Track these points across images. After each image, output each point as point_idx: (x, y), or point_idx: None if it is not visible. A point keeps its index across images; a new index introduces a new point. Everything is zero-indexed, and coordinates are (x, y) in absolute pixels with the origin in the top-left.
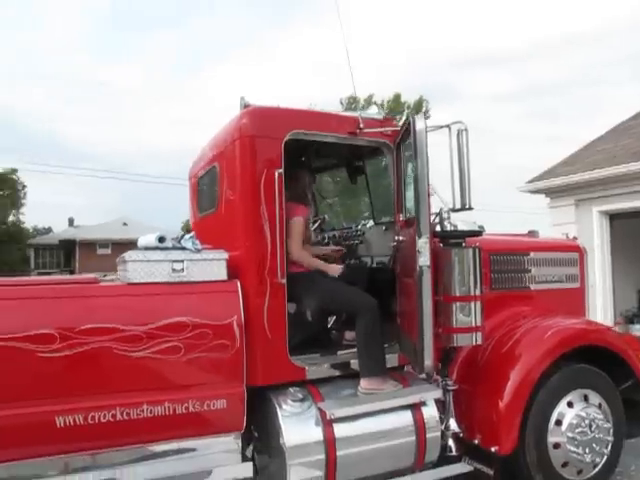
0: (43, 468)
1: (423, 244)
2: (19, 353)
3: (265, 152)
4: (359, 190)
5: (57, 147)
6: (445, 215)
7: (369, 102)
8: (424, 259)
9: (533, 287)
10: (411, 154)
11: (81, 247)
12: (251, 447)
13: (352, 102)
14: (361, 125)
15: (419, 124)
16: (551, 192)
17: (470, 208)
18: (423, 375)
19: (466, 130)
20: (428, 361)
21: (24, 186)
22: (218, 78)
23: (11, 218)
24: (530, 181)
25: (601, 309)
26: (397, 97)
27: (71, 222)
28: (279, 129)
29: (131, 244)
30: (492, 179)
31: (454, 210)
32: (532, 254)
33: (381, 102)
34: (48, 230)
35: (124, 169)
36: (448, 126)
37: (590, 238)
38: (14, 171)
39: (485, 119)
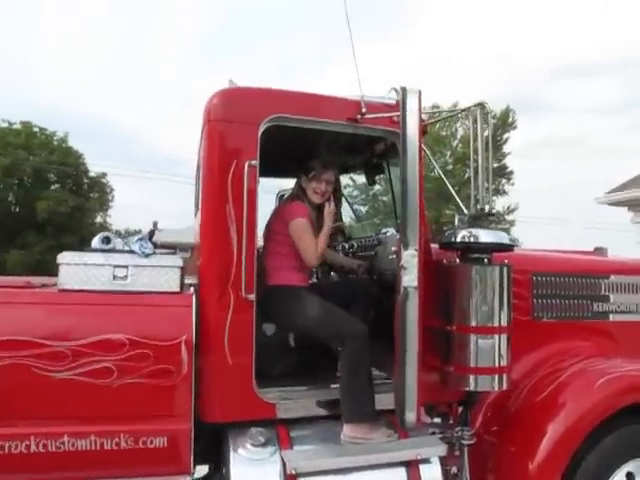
0: None
1: (409, 258)
2: None
3: (236, 139)
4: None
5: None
6: (461, 221)
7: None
8: (410, 278)
9: (590, 318)
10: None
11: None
12: None
13: (433, 109)
14: (363, 110)
15: (412, 103)
16: (635, 204)
17: (491, 214)
18: (437, 420)
19: (488, 114)
20: (410, 414)
21: (112, 189)
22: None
23: (99, 219)
24: (611, 191)
25: None
26: (481, 106)
27: (155, 225)
28: (256, 112)
29: None
30: (577, 193)
31: (471, 217)
32: (594, 276)
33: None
34: (138, 232)
35: None
36: (466, 110)
37: None
38: (104, 175)
39: (583, 132)
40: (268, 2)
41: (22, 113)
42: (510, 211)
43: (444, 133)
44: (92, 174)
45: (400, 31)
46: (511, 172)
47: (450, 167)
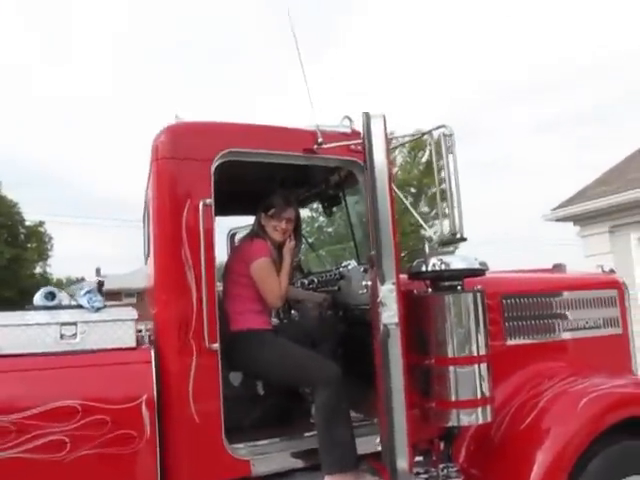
0: None
1: (388, 293)
2: None
3: (188, 178)
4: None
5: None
6: (430, 249)
7: (389, 139)
8: (390, 314)
9: (562, 336)
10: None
11: (107, 296)
12: None
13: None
14: (319, 140)
15: (376, 125)
16: (582, 219)
17: (462, 239)
18: (419, 458)
19: (451, 135)
20: (402, 463)
21: (51, 238)
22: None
23: (38, 270)
24: (557, 207)
25: None
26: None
27: (98, 272)
28: (207, 148)
29: None
30: (519, 214)
31: (442, 243)
32: (559, 294)
33: (402, 138)
34: (81, 280)
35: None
36: (428, 133)
37: (630, 270)
38: (42, 223)
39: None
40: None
41: None
42: (454, 234)
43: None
44: (28, 223)
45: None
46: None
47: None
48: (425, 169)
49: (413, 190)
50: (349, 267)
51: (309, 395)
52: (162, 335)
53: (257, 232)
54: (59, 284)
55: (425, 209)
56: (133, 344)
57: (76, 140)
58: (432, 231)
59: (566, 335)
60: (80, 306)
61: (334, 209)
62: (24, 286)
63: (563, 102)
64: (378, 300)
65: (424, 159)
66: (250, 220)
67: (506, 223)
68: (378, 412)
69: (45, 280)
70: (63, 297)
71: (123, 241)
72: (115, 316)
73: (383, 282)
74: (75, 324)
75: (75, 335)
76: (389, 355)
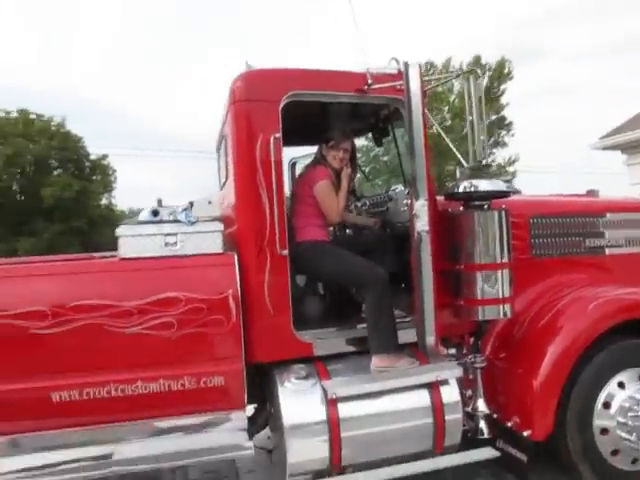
0: (42, 441)
1: (420, 207)
2: (13, 330)
3: (260, 116)
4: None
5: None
6: (463, 174)
7: (447, 66)
8: (422, 224)
9: (584, 253)
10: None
11: None
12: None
13: (429, 67)
14: (369, 81)
15: (413, 74)
16: (628, 147)
17: (484, 164)
18: (452, 351)
19: (479, 77)
20: (430, 338)
21: (114, 170)
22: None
23: (104, 201)
24: (605, 136)
25: None
26: (477, 59)
27: (159, 203)
28: (275, 91)
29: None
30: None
31: (469, 168)
32: (583, 216)
33: (460, 65)
34: (140, 210)
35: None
36: (459, 74)
37: None
38: (105, 157)
39: (579, 78)
40: None
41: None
42: (511, 162)
43: (440, 89)
44: (93, 157)
45: None
46: (510, 123)
47: (449, 122)
48: (485, 95)
49: (470, 117)
50: (396, 190)
51: (360, 295)
52: (242, 243)
53: (319, 160)
54: (122, 215)
55: (482, 137)
56: (220, 250)
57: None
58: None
59: (590, 252)
60: (178, 221)
61: (383, 140)
62: (92, 216)
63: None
64: (413, 213)
65: (482, 86)
66: (309, 150)
67: (566, 150)
68: (413, 304)
69: (110, 211)
70: (164, 214)
71: (181, 174)
72: (206, 228)
73: (417, 198)
74: (176, 235)
75: (176, 243)
76: (421, 256)
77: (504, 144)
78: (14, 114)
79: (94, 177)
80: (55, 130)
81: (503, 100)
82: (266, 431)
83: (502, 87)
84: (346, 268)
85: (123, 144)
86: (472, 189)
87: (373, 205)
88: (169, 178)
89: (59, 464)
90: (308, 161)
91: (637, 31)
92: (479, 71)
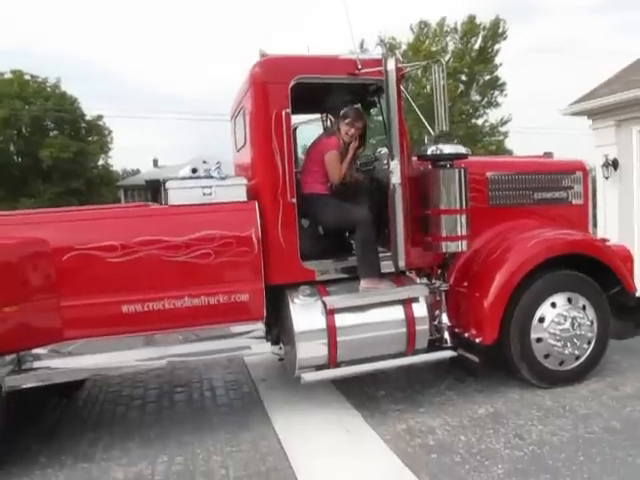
0: (114, 344)
1: (394, 166)
2: (93, 259)
3: (274, 95)
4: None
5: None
6: (430, 140)
7: (441, 26)
8: (396, 178)
9: (533, 203)
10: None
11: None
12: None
13: (423, 27)
14: (359, 66)
15: (390, 64)
16: (592, 114)
17: (447, 133)
18: (424, 280)
19: (442, 66)
20: (401, 261)
21: (110, 131)
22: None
23: (100, 162)
24: (572, 103)
25: (638, 229)
26: (471, 19)
27: (155, 163)
28: (285, 75)
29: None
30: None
31: (436, 137)
32: (531, 173)
33: (454, 25)
34: (136, 172)
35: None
36: (427, 64)
37: (630, 159)
38: (100, 117)
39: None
40: None
41: None
42: (504, 123)
43: (434, 49)
44: (88, 118)
45: None
46: (503, 84)
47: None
48: (477, 56)
49: (464, 78)
50: (381, 152)
51: (350, 236)
52: (261, 193)
53: (334, 131)
54: (117, 177)
55: (477, 97)
56: (245, 199)
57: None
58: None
59: (537, 203)
60: (212, 177)
61: (372, 111)
62: (90, 177)
63: None
64: (389, 170)
65: (477, 46)
66: (306, 117)
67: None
68: (389, 237)
69: (107, 171)
70: (201, 171)
71: (175, 133)
72: (234, 182)
73: (393, 159)
74: (211, 187)
75: (211, 194)
76: (395, 203)
77: (497, 104)
78: (8, 75)
79: (90, 138)
80: (50, 91)
81: (497, 60)
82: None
83: (496, 47)
84: (340, 213)
85: (119, 105)
86: (438, 152)
87: (363, 164)
88: (164, 137)
89: (128, 360)
90: (308, 126)
91: None
92: (444, 61)
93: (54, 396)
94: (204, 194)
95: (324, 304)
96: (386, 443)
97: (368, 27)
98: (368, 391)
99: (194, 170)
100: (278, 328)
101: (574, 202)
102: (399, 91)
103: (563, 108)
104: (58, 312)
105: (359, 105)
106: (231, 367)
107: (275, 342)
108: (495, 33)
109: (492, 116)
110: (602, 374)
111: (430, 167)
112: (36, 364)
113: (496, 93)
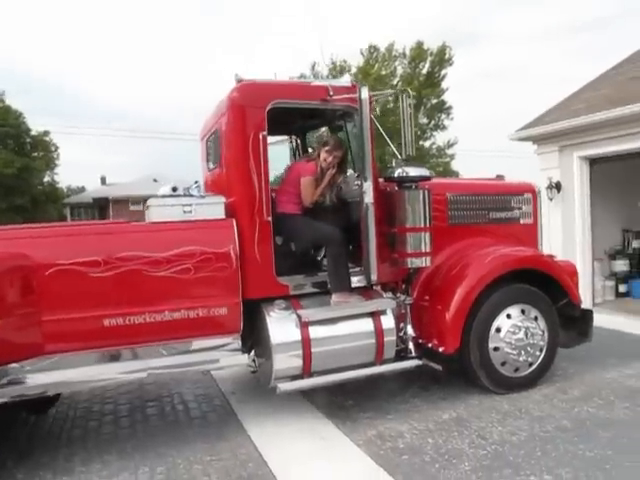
0: (96, 358)
1: (367, 187)
2: (76, 274)
3: (252, 118)
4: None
5: (86, 107)
6: (397, 164)
7: (390, 51)
8: (368, 198)
9: (487, 223)
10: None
11: (114, 204)
12: (252, 353)
13: (373, 51)
14: (331, 93)
15: (363, 93)
16: (538, 139)
17: (412, 156)
18: (389, 294)
19: (409, 96)
20: (373, 275)
21: (57, 147)
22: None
23: (46, 179)
24: (519, 129)
25: (580, 246)
26: (419, 45)
27: (103, 181)
28: (262, 99)
29: None
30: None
31: (403, 160)
32: (486, 195)
33: (402, 50)
34: (82, 189)
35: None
36: (395, 93)
37: (571, 181)
38: (47, 133)
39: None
40: None
41: None
42: (450, 145)
43: (384, 72)
44: (34, 133)
45: None
46: (450, 107)
47: (391, 105)
48: (425, 80)
49: (413, 101)
50: (347, 173)
51: (318, 253)
52: (238, 212)
53: (314, 157)
54: (62, 194)
55: (424, 120)
56: (223, 217)
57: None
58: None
59: (491, 222)
60: (191, 195)
61: (339, 134)
62: (35, 194)
63: (563, 9)
64: (362, 190)
65: (424, 70)
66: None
67: (499, 134)
68: (361, 255)
69: (53, 188)
70: (180, 190)
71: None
72: (213, 200)
73: (365, 180)
74: (191, 205)
75: (191, 211)
76: (367, 221)
77: (444, 127)
78: None
79: (35, 154)
80: None
81: (443, 85)
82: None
83: (442, 72)
84: (313, 231)
85: (63, 122)
86: (404, 174)
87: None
88: (112, 154)
89: (108, 373)
90: (276, 146)
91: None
92: (410, 90)
93: (22, 413)
94: (184, 212)
95: (299, 317)
96: (359, 447)
97: (317, 49)
98: (337, 401)
99: (174, 189)
100: (252, 341)
101: (525, 221)
102: (371, 118)
103: (510, 134)
104: (39, 326)
105: (326, 128)
106: (200, 381)
107: (248, 352)
108: (442, 59)
109: (439, 139)
110: (552, 380)
111: (396, 188)
112: (9, 379)
113: (443, 116)
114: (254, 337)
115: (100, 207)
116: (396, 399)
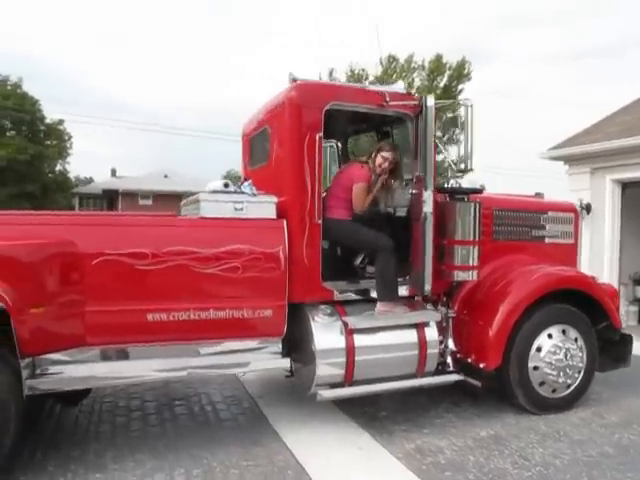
0: (138, 352)
1: (428, 196)
2: (122, 265)
3: (309, 119)
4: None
5: (100, 99)
6: (453, 175)
7: (409, 62)
8: (428, 207)
9: (530, 240)
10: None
11: (124, 197)
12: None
13: (392, 61)
14: (387, 98)
15: (430, 101)
16: (570, 160)
17: (471, 169)
18: (429, 306)
19: (472, 106)
20: (428, 285)
21: (70, 137)
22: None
23: (58, 167)
24: (551, 148)
25: (607, 269)
26: (439, 58)
27: (114, 173)
28: (320, 100)
29: (174, 196)
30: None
31: (459, 171)
32: (531, 212)
33: (422, 62)
34: (90, 180)
35: (159, 121)
36: (458, 103)
37: (602, 204)
38: (61, 122)
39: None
40: None
41: None
42: (463, 160)
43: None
44: (48, 121)
45: None
46: (464, 122)
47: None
48: (442, 94)
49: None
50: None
51: (367, 260)
52: (289, 212)
53: (367, 162)
54: (71, 184)
55: (438, 133)
56: (274, 216)
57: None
58: (454, 161)
59: (534, 239)
60: (243, 192)
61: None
62: (46, 182)
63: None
64: (422, 199)
65: (442, 84)
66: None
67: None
68: (415, 261)
69: (64, 177)
70: (232, 187)
71: (128, 142)
72: (265, 199)
73: (426, 189)
74: (242, 202)
75: (242, 209)
76: (426, 230)
77: (458, 141)
78: None
79: (48, 142)
80: (11, 90)
81: (460, 99)
82: None
83: (460, 87)
84: (365, 238)
85: (71, 109)
86: (456, 186)
87: None
88: (113, 147)
89: (148, 370)
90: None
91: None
92: (471, 100)
93: (48, 402)
94: (235, 209)
95: (345, 324)
96: (399, 460)
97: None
98: (370, 411)
99: (226, 185)
100: (291, 345)
101: (566, 241)
102: (434, 127)
103: (542, 152)
104: (82, 317)
105: (373, 134)
106: (226, 383)
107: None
108: (460, 74)
109: (453, 153)
110: (587, 404)
111: (448, 199)
112: (51, 369)
113: (457, 131)
114: (293, 341)
115: (110, 199)
116: (429, 413)
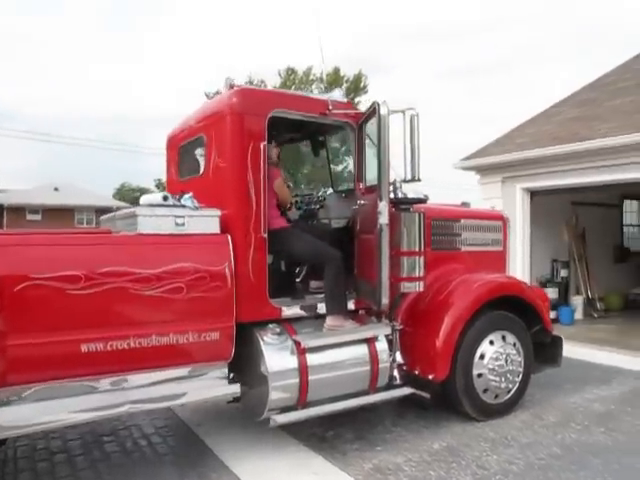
0: (71, 389)
1: (383, 207)
2: (52, 291)
3: (252, 127)
4: (317, 161)
5: None
6: (398, 185)
7: (307, 75)
8: (384, 219)
9: (464, 248)
10: (373, 134)
11: (9, 212)
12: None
13: (290, 74)
14: (330, 107)
15: (383, 110)
16: (481, 170)
17: (419, 180)
18: (373, 319)
19: (417, 115)
20: (385, 299)
21: None
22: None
23: None
24: (464, 159)
25: (520, 272)
26: (336, 71)
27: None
28: (264, 107)
29: (65, 210)
30: (432, 155)
31: (405, 181)
32: (464, 221)
33: (320, 74)
34: None
35: (50, 131)
36: (403, 111)
37: (513, 211)
38: None
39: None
40: None
41: None
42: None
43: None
44: None
45: None
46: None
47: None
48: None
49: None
50: (327, 192)
51: (310, 275)
52: (234, 226)
53: (273, 162)
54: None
55: (336, 145)
56: (218, 231)
57: None
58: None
59: (467, 248)
60: (184, 206)
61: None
62: None
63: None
64: (378, 210)
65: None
66: None
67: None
68: (369, 276)
69: None
70: (171, 200)
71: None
72: (207, 213)
73: (381, 200)
74: (184, 217)
75: (184, 224)
76: (382, 242)
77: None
78: None
79: None
80: None
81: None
82: None
83: (357, 99)
84: (313, 249)
85: None
86: (401, 196)
87: (304, 202)
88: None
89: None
90: None
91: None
92: (416, 110)
93: None
94: (177, 224)
95: (296, 343)
96: None
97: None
98: (318, 433)
99: (165, 197)
100: (235, 368)
101: (496, 248)
102: (366, 135)
103: (455, 162)
104: (3, 352)
105: (307, 143)
106: (155, 412)
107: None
108: (357, 86)
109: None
110: (525, 406)
111: (393, 210)
112: None
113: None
114: (237, 364)
115: None
116: (377, 428)
